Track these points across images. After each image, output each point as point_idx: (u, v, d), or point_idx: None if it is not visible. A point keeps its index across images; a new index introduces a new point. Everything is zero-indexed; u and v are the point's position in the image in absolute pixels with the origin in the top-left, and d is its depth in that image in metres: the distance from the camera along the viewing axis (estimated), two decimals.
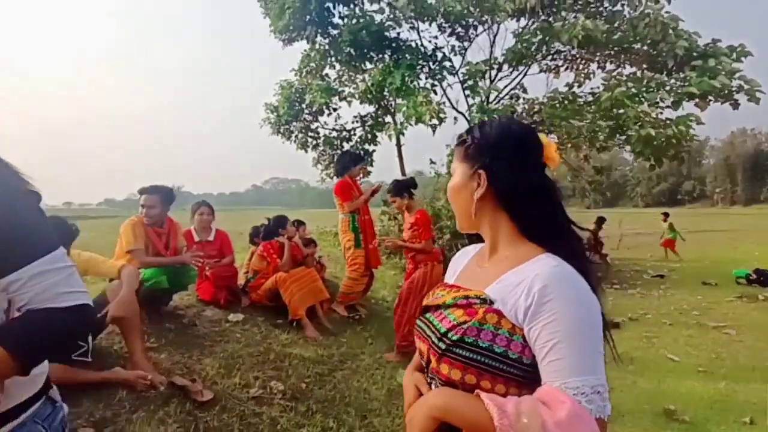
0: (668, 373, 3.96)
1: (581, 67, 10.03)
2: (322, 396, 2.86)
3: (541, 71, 10.66)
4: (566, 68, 10.40)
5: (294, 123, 9.55)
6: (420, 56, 9.01)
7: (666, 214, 12.96)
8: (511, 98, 10.33)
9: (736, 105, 8.43)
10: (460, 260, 1.03)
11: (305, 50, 9.35)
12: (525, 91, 9.38)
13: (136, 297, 2.62)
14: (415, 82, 8.34)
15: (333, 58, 9.05)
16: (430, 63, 9.06)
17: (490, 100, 10.22)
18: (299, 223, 5.04)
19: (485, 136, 0.91)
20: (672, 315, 5.86)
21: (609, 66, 9.52)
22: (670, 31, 7.96)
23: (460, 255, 1.05)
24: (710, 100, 8.38)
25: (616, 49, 8.77)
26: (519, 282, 0.79)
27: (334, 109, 9.59)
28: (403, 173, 10.52)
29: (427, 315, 0.91)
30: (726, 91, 8.11)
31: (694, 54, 8.37)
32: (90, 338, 2.44)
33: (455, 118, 9.54)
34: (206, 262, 3.69)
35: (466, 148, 0.92)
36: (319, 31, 8.69)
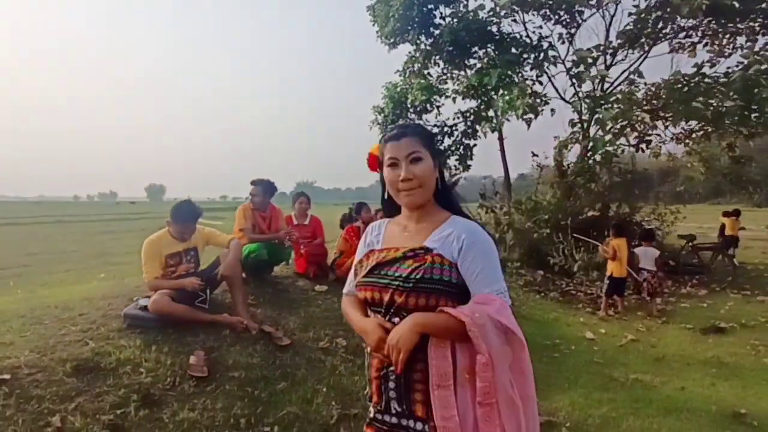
0: (759, 379, 3.62)
1: (715, 42, 8.84)
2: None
3: (671, 51, 9.66)
4: (703, 45, 9.24)
5: (398, 122, 10.17)
6: (523, 48, 8.91)
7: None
8: (630, 83, 9.55)
9: None
10: (375, 232, 1.37)
11: (409, 52, 9.89)
12: (641, 75, 8.60)
13: (240, 264, 3.46)
14: (516, 77, 8.31)
15: (436, 57, 9.44)
16: (534, 54, 8.88)
17: (604, 87, 9.63)
18: (378, 210, 5.65)
19: (430, 133, 1.33)
20: None
21: (741, 41, 8.24)
22: None
23: (373, 229, 1.38)
24: None
25: (752, 20, 7.60)
26: (449, 234, 1.20)
27: (437, 107, 9.95)
28: (506, 167, 10.47)
29: (380, 272, 1.22)
30: None
31: None
32: (207, 291, 3.35)
33: (551, 109, 9.14)
34: (300, 241, 4.50)
35: (430, 139, 1.31)
36: (423, 31, 9.15)
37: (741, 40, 8.71)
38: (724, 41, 8.84)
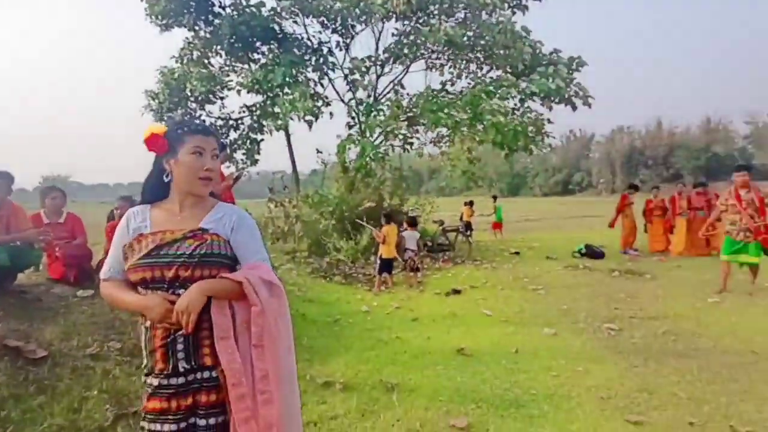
0: (478, 324, 4.92)
1: (456, 66, 11.17)
2: None
3: (427, 68, 11.70)
4: (448, 66, 11.50)
5: (178, 111, 9.51)
6: (305, 50, 9.46)
7: (494, 198, 14.09)
8: (396, 93, 11.19)
9: (574, 107, 10.02)
10: (140, 218, 1.45)
11: (187, 38, 9.34)
12: (403, 87, 10.25)
13: None
14: (300, 76, 8.79)
15: (218, 47, 9.16)
16: (315, 57, 9.53)
17: (376, 94, 11.01)
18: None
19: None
20: (508, 282, 7.01)
21: (473, 67, 10.72)
22: (520, 39, 9.25)
23: (136, 215, 1.46)
24: (554, 101, 9.86)
25: (479, 52, 9.96)
26: (221, 216, 1.46)
27: (221, 98, 9.69)
28: (293, 163, 10.95)
29: (161, 252, 1.35)
30: (565, 95, 9.63)
31: (540, 61, 9.80)
32: None
33: (330, 113, 10.07)
34: (56, 242, 3.89)
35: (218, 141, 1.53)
36: (202, 18, 8.75)
37: (473, 66, 11.24)
38: (462, 65, 11.24)
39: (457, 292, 6.32)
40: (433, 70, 11.56)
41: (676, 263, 8.26)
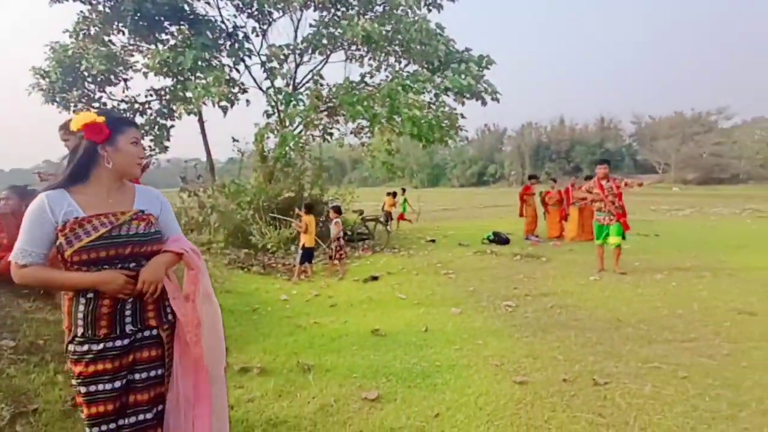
0: (393, 307, 5.22)
1: (375, 58, 11.39)
2: (60, 348, 3.12)
3: (346, 59, 11.77)
4: (368, 59, 11.68)
5: (73, 92, 8.66)
6: (219, 33, 9.09)
7: (403, 190, 14.68)
8: (316, 83, 11.16)
9: (484, 103, 10.71)
10: (65, 203, 1.48)
11: (82, 11, 8.52)
12: (322, 77, 10.27)
13: None
14: (214, 61, 8.44)
15: (120, 24, 8.48)
16: (230, 42, 9.20)
17: (295, 83, 10.90)
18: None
19: None
20: (422, 268, 7.44)
21: (392, 60, 11.03)
22: (434, 36, 9.69)
23: (57, 200, 1.47)
24: (466, 96, 10.47)
25: (397, 46, 10.27)
26: (151, 198, 1.67)
27: (125, 80, 9.00)
28: (208, 151, 10.52)
29: (113, 233, 1.49)
30: (475, 91, 10.27)
31: (454, 58, 10.34)
32: None
33: (247, 100, 9.85)
34: None
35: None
36: None
37: (392, 59, 11.54)
38: (381, 58, 11.48)
39: (374, 278, 6.60)
40: (353, 61, 11.68)
41: (568, 248, 9.27)
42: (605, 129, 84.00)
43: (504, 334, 4.20)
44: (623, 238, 6.49)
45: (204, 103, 8.47)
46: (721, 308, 4.85)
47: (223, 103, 7.83)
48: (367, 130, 12.24)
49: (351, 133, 12.75)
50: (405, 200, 13.95)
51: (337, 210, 7.31)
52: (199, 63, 7.75)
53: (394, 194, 13.78)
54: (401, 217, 13.91)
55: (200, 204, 8.59)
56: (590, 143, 79.08)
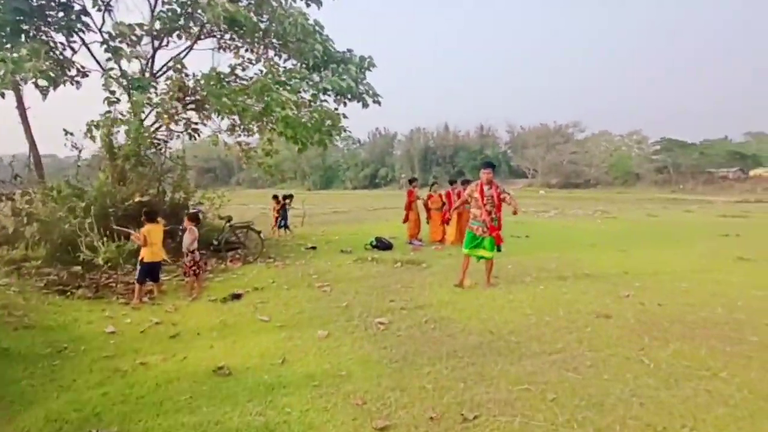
0: (249, 333, 4.45)
1: (254, 50, 10.38)
2: None
3: (219, 48, 10.55)
4: (244, 50, 10.59)
5: None
6: (46, 1, 7.38)
7: (291, 196, 13.31)
8: (179, 71, 9.79)
9: (365, 105, 10.35)
10: None
11: None
12: (184, 66, 9.02)
13: None
14: (32, 30, 6.77)
15: None
16: (61, 11, 7.53)
17: (153, 69, 9.43)
18: None
19: None
20: (295, 281, 6.74)
21: (272, 54, 10.16)
22: (311, 34, 9.05)
23: None
24: (347, 98, 10.00)
25: (274, 38, 9.42)
26: None
27: None
28: (33, 145, 8.56)
29: None
30: (356, 93, 9.85)
31: (333, 57, 9.81)
32: None
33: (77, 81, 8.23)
34: None
35: None
36: None
37: (271, 53, 10.60)
38: (260, 51, 10.47)
39: (236, 296, 5.73)
40: (227, 51, 10.54)
41: (448, 252, 9.29)
42: (484, 136, 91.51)
43: (372, 360, 3.71)
44: (499, 250, 6.00)
45: (21, 82, 6.75)
46: (582, 312, 4.96)
47: (43, 83, 6.26)
48: (243, 128, 11.16)
49: (226, 130, 11.54)
50: (284, 207, 12.57)
51: (193, 217, 6.22)
52: (7, 29, 6.08)
53: (277, 197, 12.82)
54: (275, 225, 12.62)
55: (14, 211, 6.80)
56: (472, 149, 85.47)
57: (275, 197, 12.94)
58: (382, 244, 9.75)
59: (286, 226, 12.50)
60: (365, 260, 8.27)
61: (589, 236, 12.05)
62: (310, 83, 8.91)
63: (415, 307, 5.17)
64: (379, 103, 10.37)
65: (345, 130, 11.04)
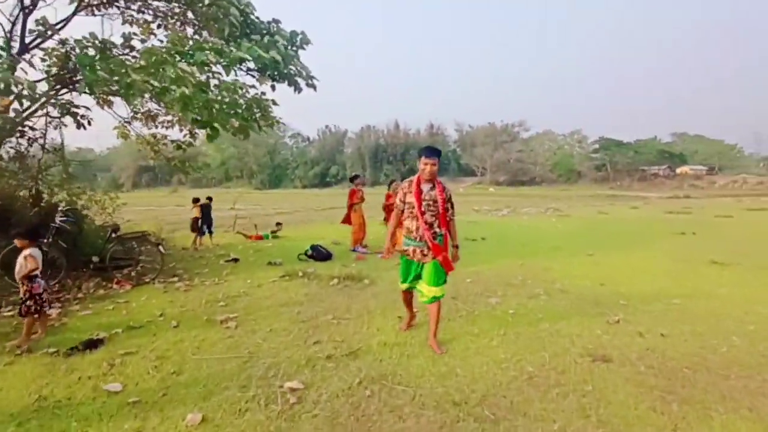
0: (82, 419, 2.77)
1: (158, 17, 8.47)
2: None
3: (125, 22, 8.56)
4: (149, 15, 8.63)
5: None
6: None
7: (209, 198, 11.52)
8: (62, 43, 7.71)
9: (298, 88, 8.71)
10: None
11: None
12: (52, 28, 7.00)
13: None
14: None
15: None
16: None
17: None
18: None
19: None
20: (192, 313, 5.04)
21: (178, 25, 8.32)
22: None
23: None
24: (274, 78, 8.32)
25: (176, 4, 7.60)
26: None
27: None
28: None
29: None
30: (284, 71, 8.19)
31: (258, 28, 8.11)
32: None
33: None
34: None
35: None
36: None
37: (179, 24, 8.72)
38: (170, 21, 8.57)
39: (93, 345, 3.98)
40: (117, 17, 8.59)
41: (396, 262, 7.89)
42: (434, 135, 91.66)
43: None
44: (443, 283, 3.73)
45: None
46: (573, 353, 3.69)
47: None
48: (159, 117, 9.23)
49: (138, 119, 9.53)
50: (206, 210, 10.66)
51: (28, 234, 4.32)
52: None
53: (196, 201, 10.95)
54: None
55: None
56: (422, 147, 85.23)
57: (195, 200, 11.03)
58: (319, 254, 8.19)
59: (210, 232, 10.65)
60: (295, 276, 6.68)
61: (550, 238, 11.11)
62: (221, 54, 7.17)
63: (348, 355, 3.68)
64: (314, 87, 8.77)
65: (278, 121, 9.39)
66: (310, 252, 8.29)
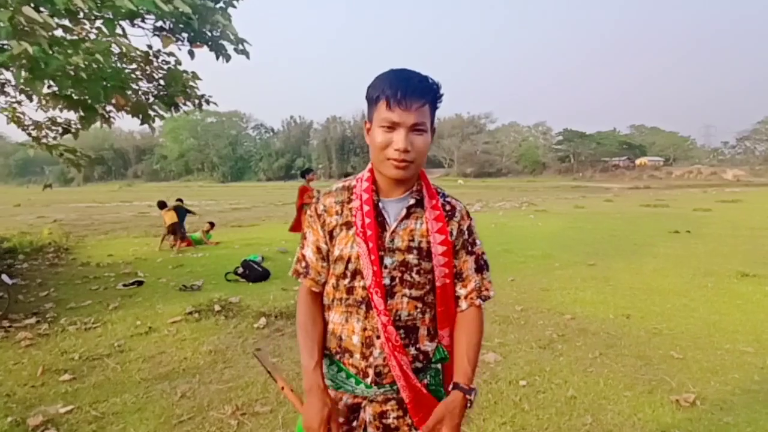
0: None
1: None
2: None
3: None
4: None
5: None
6: None
7: (175, 201, 10.40)
8: None
9: (227, 57, 6.70)
10: None
11: None
12: None
13: None
14: None
15: None
16: None
17: None
18: None
19: None
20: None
21: None
22: None
23: None
24: (189, 38, 6.30)
25: None
26: None
27: None
28: None
29: None
30: (200, 30, 6.18)
31: None
32: None
33: None
34: None
35: None
36: None
37: None
38: None
39: None
40: None
41: None
42: None
43: None
44: None
45: None
46: None
47: None
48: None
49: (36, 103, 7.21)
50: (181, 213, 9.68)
51: None
52: None
53: (164, 204, 9.66)
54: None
55: None
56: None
57: (162, 205, 9.56)
58: (252, 273, 6.25)
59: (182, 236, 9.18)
60: (208, 312, 4.73)
61: (535, 241, 9.55)
62: (105, 2, 5.04)
63: None
64: (246, 54, 6.75)
65: (208, 101, 7.37)
66: (240, 270, 6.33)
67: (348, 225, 1.14)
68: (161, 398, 2.98)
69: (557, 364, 3.41)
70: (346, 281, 1.14)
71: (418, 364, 1.16)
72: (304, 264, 1.23)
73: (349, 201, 1.16)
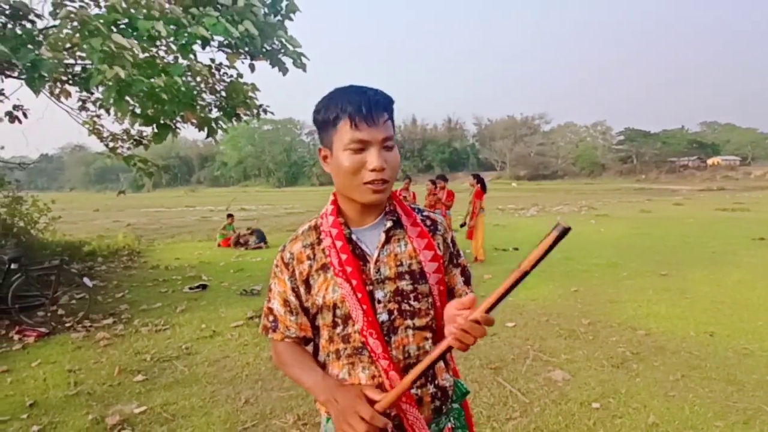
0: None
1: None
2: None
3: None
4: None
5: None
6: None
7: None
8: None
9: (284, 70, 6.87)
10: None
11: None
12: None
13: None
14: None
15: None
16: None
17: None
18: None
19: None
20: (82, 400, 3.23)
21: None
22: None
23: None
24: (246, 53, 6.51)
25: None
26: None
27: None
28: None
29: None
30: (263, 47, 6.36)
31: None
32: None
33: None
34: None
35: None
36: None
37: None
38: None
39: None
40: None
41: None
42: (452, 129, 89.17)
43: None
44: None
45: None
46: None
47: None
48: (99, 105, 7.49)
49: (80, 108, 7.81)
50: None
51: None
52: None
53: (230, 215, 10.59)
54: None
55: None
56: (440, 142, 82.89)
57: (230, 215, 11.19)
58: None
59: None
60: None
61: (599, 248, 9.04)
62: (180, 29, 5.31)
63: None
64: (304, 68, 6.89)
65: (265, 110, 7.58)
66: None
67: (324, 268, 1.01)
68: (226, 403, 3.05)
69: (633, 385, 3.15)
70: (339, 330, 1.01)
71: (437, 403, 1.03)
72: (272, 318, 1.09)
73: (319, 242, 1.04)
